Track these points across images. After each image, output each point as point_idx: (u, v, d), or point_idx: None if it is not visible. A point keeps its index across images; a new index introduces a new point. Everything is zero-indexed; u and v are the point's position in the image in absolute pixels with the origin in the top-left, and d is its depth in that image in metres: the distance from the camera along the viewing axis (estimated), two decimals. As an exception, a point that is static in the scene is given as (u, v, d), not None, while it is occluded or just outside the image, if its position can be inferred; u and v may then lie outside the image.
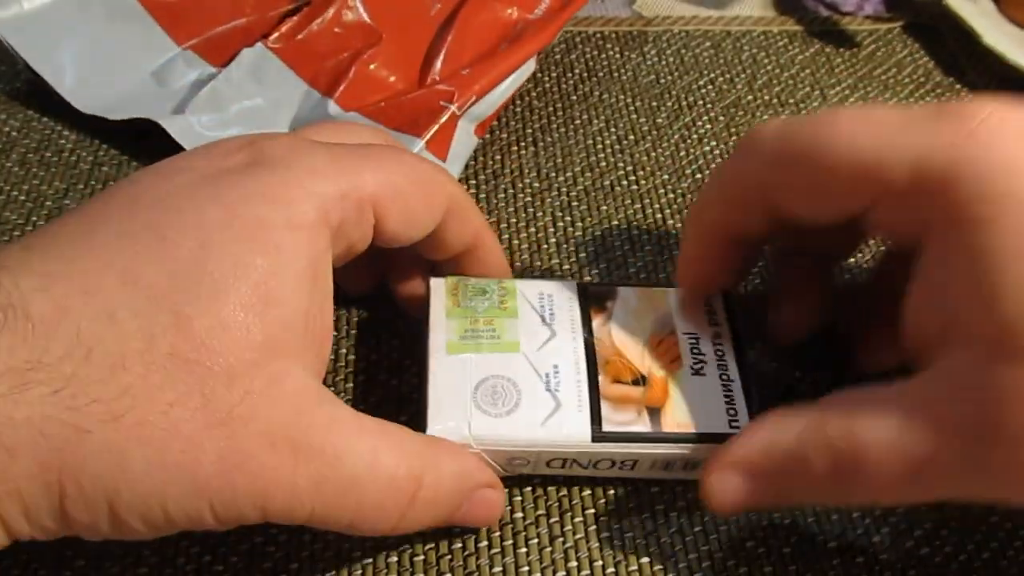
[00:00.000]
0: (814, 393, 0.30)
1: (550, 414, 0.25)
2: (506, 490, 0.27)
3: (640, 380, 0.26)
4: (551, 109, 0.39)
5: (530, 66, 0.37)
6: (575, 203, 0.35)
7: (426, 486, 0.22)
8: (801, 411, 0.22)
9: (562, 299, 0.27)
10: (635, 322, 0.27)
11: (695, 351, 0.26)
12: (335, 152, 0.24)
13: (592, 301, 0.27)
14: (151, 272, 0.20)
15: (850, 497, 0.24)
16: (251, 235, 0.21)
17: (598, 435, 0.24)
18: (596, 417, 0.25)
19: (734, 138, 0.38)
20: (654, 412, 0.25)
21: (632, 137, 0.38)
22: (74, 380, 0.19)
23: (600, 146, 0.37)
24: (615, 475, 0.26)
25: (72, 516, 0.19)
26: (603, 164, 0.37)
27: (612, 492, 0.27)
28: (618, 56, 0.42)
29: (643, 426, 0.25)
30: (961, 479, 0.20)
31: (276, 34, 0.37)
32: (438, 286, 0.27)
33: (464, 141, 0.35)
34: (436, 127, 0.34)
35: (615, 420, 0.25)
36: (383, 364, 0.30)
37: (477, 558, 0.25)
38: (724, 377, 0.26)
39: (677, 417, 0.25)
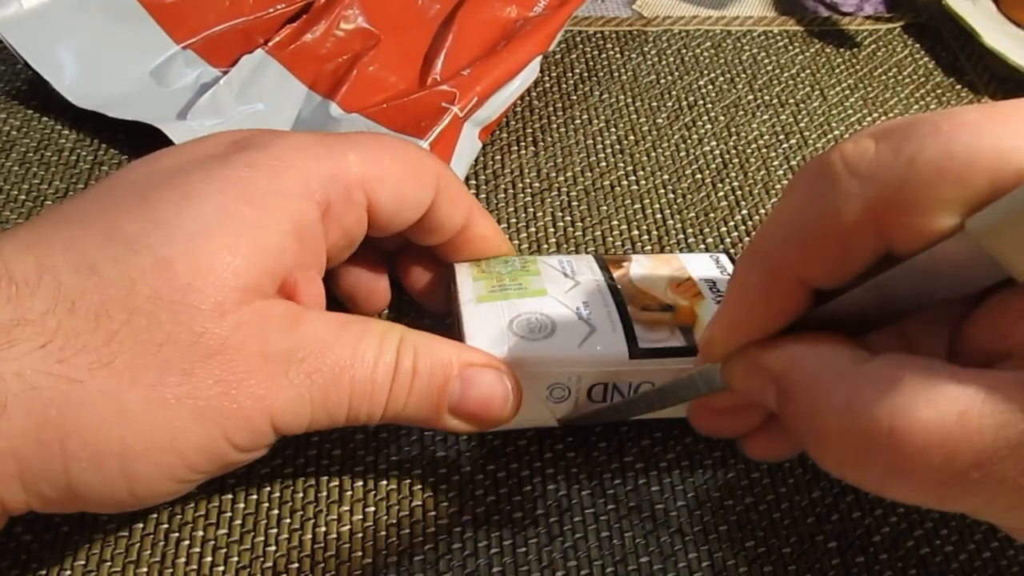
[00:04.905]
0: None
1: (586, 336, 0.25)
2: (507, 488, 0.27)
3: (667, 308, 0.26)
4: (551, 109, 0.39)
5: (534, 71, 0.37)
6: (575, 203, 0.35)
7: (403, 354, 0.22)
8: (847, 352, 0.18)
9: (580, 262, 0.28)
10: (652, 274, 0.28)
11: (714, 290, 0.27)
12: (321, 136, 0.24)
13: (609, 262, 0.28)
14: (132, 224, 0.20)
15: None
16: (236, 189, 0.21)
17: (636, 351, 0.24)
18: (631, 336, 0.25)
19: (734, 138, 0.38)
20: (686, 330, 0.25)
21: (632, 137, 0.38)
22: (60, 333, 0.19)
23: (600, 146, 0.37)
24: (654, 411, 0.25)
25: (80, 480, 0.19)
26: (603, 164, 0.37)
27: (611, 492, 0.27)
28: (618, 56, 0.42)
29: (678, 341, 0.25)
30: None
31: (276, 40, 0.37)
32: (461, 267, 0.28)
33: (468, 145, 0.35)
34: (439, 128, 0.34)
35: (650, 339, 0.25)
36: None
37: (477, 558, 0.25)
38: None
39: None
